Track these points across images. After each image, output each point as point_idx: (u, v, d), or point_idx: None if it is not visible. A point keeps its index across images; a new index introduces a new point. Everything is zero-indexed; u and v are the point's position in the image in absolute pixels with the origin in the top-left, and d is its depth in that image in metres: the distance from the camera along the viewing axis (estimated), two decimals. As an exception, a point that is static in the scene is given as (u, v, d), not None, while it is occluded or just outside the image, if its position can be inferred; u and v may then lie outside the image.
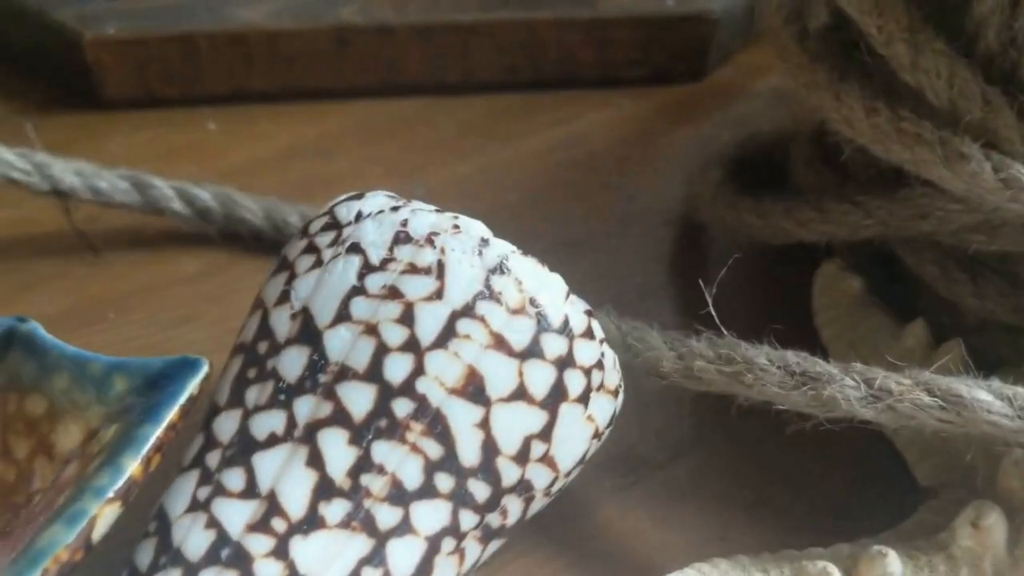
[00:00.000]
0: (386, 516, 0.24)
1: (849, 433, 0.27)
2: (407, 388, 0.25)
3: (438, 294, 0.25)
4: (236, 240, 0.37)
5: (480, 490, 0.25)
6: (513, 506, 0.26)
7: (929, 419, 0.25)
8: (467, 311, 0.25)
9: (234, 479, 0.24)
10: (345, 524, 0.24)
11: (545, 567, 0.28)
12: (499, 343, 0.25)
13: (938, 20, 0.29)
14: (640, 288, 0.37)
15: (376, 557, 0.24)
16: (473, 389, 0.25)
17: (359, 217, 0.26)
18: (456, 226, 0.26)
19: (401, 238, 0.26)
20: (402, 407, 0.24)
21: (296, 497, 0.24)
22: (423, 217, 0.26)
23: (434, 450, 0.25)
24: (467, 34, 0.44)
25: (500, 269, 0.25)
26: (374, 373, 0.25)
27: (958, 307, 0.31)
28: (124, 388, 0.25)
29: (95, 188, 0.36)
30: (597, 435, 0.27)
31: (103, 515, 0.23)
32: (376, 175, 0.41)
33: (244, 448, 0.25)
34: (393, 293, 0.25)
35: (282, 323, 0.26)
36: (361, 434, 0.24)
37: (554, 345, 0.25)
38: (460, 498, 0.25)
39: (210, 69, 0.43)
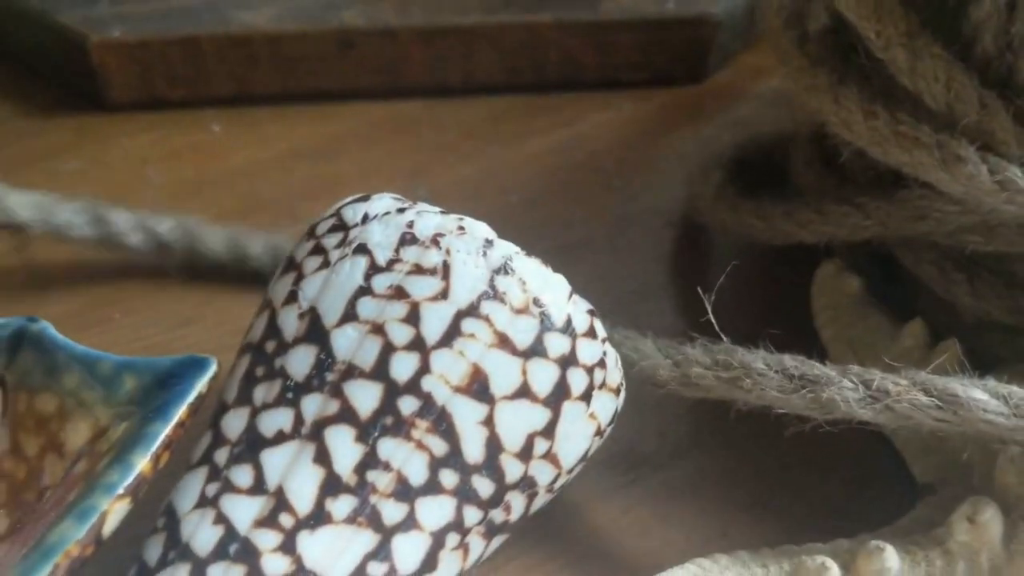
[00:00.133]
0: (392, 512, 0.24)
1: (848, 433, 0.27)
2: (413, 386, 0.25)
3: (443, 294, 0.25)
4: (197, 275, 0.36)
5: (484, 486, 0.25)
6: (516, 502, 0.26)
7: (926, 418, 0.26)
8: (472, 311, 0.25)
9: (242, 475, 0.24)
10: (351, 519, 0.24)
11: (546, 564, 0.29)
12: (503, 342, 0.25)
13: (936, 25, 0.29)
14: (641, 289, 0.37)
15: (382, 552, 0.24)
16: (477, 387, 0.25)
17: (365, 219, 0.26)
18: (461, 227, 0.26)
19: (407, 239, 0.26)
20: (408, 405, 0.25)
21: (303, 493, 0.24)
22: (428, 219, 0.26)
23: (439, 447, 0.25)
24: (469, 36, 0.44)
25: (504, 269, 0.26)
26: (380, 371, 0.25)
27: (955, 307, 0.31)
28: (133, 387, 0.26)
29: (51, 223, 0.35)
30: (599, 433, 0.27)
31: (113, 511, 0.23)
32: (378, 176, 0.41)
33: (252, 445, 0.25)
34: (399, 293, 0.25)
35: (290, 322, 0.26)
36: (367, 431, 0.25)
37: (557, 344, 0.26)
38: (464, 494, 0.25)
39: (214, 72, 0.43)
